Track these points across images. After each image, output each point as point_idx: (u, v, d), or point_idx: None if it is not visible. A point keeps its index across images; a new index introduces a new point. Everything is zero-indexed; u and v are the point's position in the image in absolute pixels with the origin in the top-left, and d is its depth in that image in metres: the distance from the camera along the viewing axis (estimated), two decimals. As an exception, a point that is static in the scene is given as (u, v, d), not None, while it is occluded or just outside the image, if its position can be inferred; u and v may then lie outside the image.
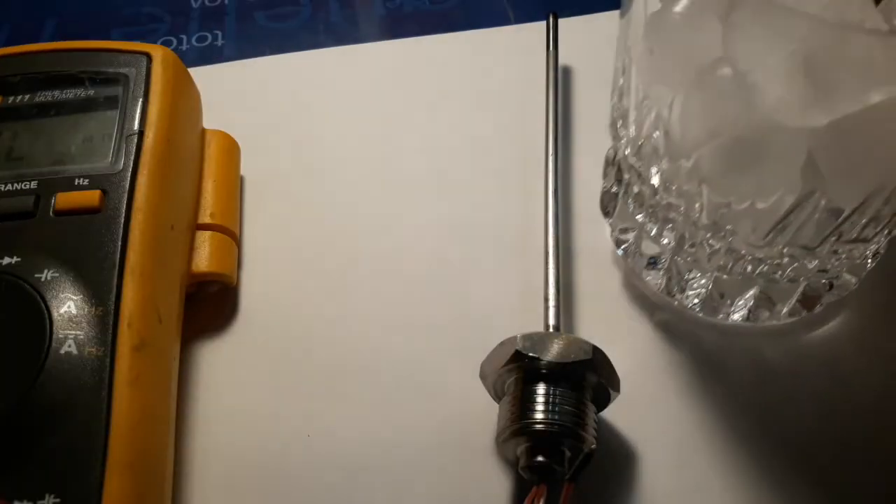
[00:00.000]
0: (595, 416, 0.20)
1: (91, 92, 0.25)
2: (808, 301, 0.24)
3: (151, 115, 0.24)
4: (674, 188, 0.22)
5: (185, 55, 0.37)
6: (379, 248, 0.27)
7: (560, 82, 0.31)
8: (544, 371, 0.20)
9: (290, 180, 0.30)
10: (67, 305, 0.20)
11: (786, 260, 0.22)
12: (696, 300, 0.24)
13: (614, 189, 0.26)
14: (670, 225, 0.23)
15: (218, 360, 0.25)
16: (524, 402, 0.20)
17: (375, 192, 0.29)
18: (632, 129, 0.23)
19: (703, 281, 0.24)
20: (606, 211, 0.26)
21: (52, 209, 0.22)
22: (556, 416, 0.19)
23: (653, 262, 0.25)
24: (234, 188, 0.28)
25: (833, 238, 0.21)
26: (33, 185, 0.23)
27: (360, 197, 0.29)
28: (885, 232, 0.22)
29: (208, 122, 0.29)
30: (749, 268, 0.22)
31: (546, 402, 0.20)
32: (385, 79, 0.34)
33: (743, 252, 0.22)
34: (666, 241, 0.24)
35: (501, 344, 0.21)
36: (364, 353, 0.25)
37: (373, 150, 0.31)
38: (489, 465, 0.22)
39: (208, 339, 0.25)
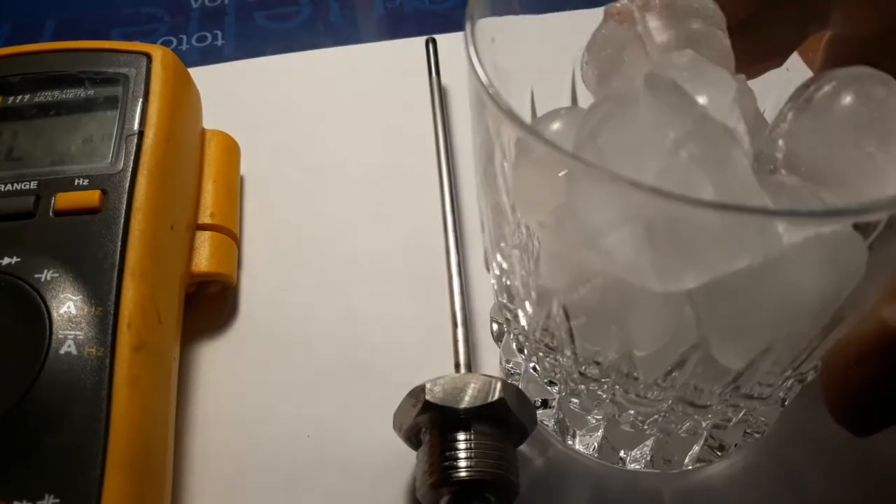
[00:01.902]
0: (515, 456, 0.19)
1: (91, 92, 0.25)
2: (717, 447, 0.21)
3: (151, 115, 0.24)
4: (545, 333, 0.19)
5: (185, 55, 0.37)
6: (378, 248, 0.27)
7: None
8: (462, 416, 0.19)
9: (289, 180, 0.30)
10: (67, 305, 0.20)
11: (678, 414, 0.19)
12: (592, 447, 0.22)
13: (501, 320, 0.22)
14: (552, 369, 0.21)
15: (218, 360, 0.25)
16: (443, 452, 0.19)
17: (375, 192, 0.29)
18: (494, 266, 0.20)
19: (594, 429, 0.21)
20: (496, 336, 0.23)
21: (52, 209, 0.22)
22: (477, 465, 0.18)
23: (544, 402, 0.22)
24: (234, 188, 0.28)
25: (724, 396, 0.18)
26: (33, 185, 0.23)
27: (359, 197, 0.29)
28: (782, 384, 0.19)
29: (208, 122, 0.29)
30: (639, 419, 0.20)
31: (467, 450, 0.18)
32: (385, 79, 0.34)
33: (625, 404, 0.19)
34: (547, 383, 0.21)
35: (410, 394, 0.20)
36: (364, 353, 0.25)
37: (372, 149, 0.31)
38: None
39: (208, 339, 0.25)
